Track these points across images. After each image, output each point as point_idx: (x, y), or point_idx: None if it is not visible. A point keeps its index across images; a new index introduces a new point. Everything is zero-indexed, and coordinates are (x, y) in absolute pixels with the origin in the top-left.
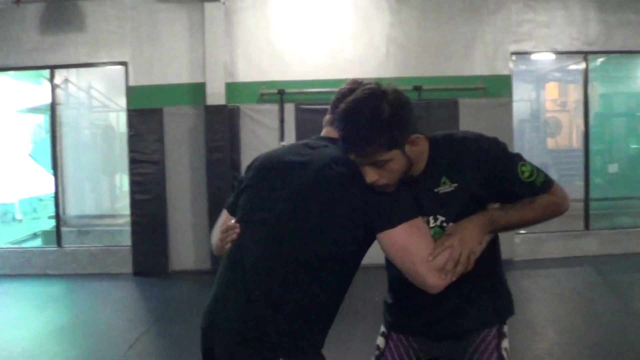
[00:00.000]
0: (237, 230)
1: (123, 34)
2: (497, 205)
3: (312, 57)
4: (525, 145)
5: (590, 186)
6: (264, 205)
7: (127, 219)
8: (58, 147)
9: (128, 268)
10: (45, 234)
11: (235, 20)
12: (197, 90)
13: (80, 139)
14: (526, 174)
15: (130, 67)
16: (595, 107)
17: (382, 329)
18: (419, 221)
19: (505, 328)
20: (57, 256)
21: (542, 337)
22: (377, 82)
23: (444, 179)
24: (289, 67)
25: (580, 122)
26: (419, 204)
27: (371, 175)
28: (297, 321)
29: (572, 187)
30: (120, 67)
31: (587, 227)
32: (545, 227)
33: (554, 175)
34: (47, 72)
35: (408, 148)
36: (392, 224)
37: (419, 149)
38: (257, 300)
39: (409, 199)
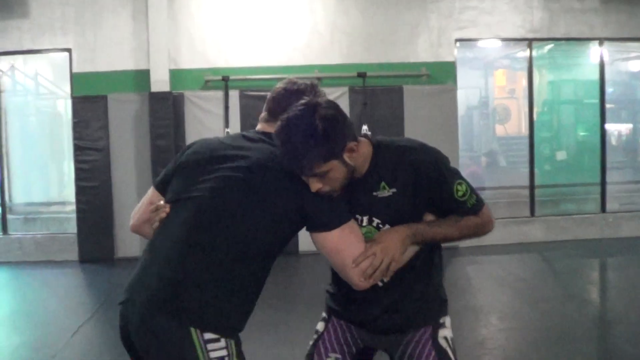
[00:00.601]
0: (167, 210)
1: (66, 21)
2: (431, 216)
3: (256, 43)
4: (474, 132)
5: (535, 173)
6: (195, 189)
7: (69, 207)
8: (3, 134)
9: (74, 255)
10: None
11: (178, 6)
12: (142, 77)
13: (27, 126)
14: (460, 193)
15: (74, 54)
16: (543, 94)
17: (324, 314)
18: (352, 224)
19: (444, 320)
20: (2, 243)
21: (485, 322)
22: (312, 83)
23: (383, 184)
24: (233, 54)
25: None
26: (359, 203)
27: (315, 185)
28: (215, 300)
29: (518, 174)
30: (64, 54)
31: (532, 213)
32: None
33: (502, 162)
34: None
35: (347, 156)
36: (328, 227)
37: (359, 154)
38: (176, 278)
39: (344, 202)
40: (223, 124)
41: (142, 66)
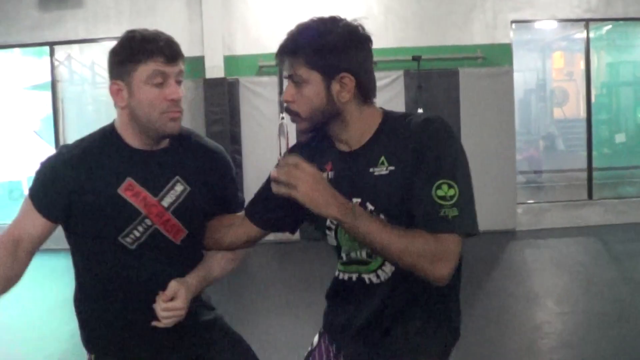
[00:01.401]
0: None
1: (120, 9)
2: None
3: None
4: (532, 115)
5: (593, 156)
6: None
7: None
8: (61, 124)
9: None
10: None
11: None
12: (196, 63)
13: (84, 115)
14: (442, 193)
15: None
16: (601, 76)
17: (321, 328)
18: None
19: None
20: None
21: (542, 307)
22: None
23: (382, 158)
24: None
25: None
26: (351, 182)
27: (288, 93)
28: (79, 319)
29: (578, 157)
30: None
31: (590, 196)
32: (548, 197)
33: (560, 145)
34: (47, 49)
35: (335, 87)
36: None
37: (366, 114)
38: None
39: None
40: (278, 110)
41: (197, 53)
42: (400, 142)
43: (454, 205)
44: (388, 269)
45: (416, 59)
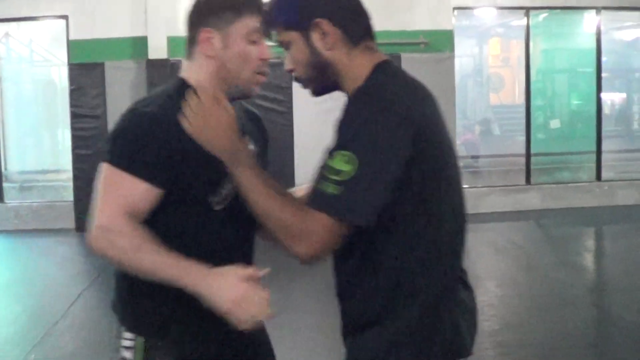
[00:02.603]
0: None
1: None
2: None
3: None
4: (468, 100)
5: (532, 141)
6: None
7: (65, 175)
8: None
9: (70, 223)
10: None
11: None
12: (139, 44)
13: (22, 93)
14: (333, 163)
15: (71, 21)
16: (537, 63)
17: None
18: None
19: None
20: None
21: (484, 289)
22: None
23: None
24: None
25: (522, 78)
26: None
27: (286, 62)
28: (133, 295)
29: (514, 142)
30: (61, 21)
31: (528, 181)
32: (486, 182)
33: (495, 130)
34: None
35: (315, 37)
36: None
37: (356, 61)
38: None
39: None
40: None
41: (140, 33)
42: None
43: (339, 182)
44: None
45: None
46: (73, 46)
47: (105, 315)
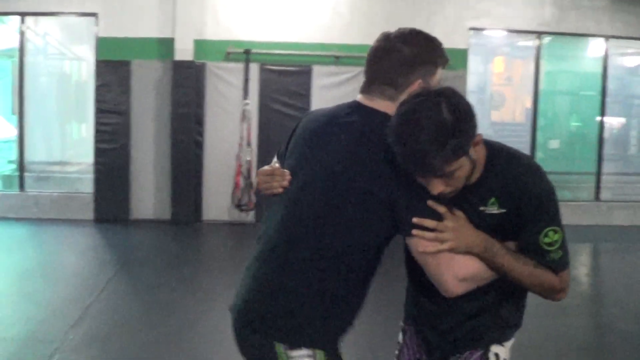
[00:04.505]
0: (288, 178)
1: None
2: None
3: (279, 19)
4: None
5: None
6: (301, 172)
7: (84, 167)
8: (24, 94)
9: (89, 215)
10: (4, 178)
11: None
12: (166, 45)
13: (44, 86)
14: (548, 240)
15: (100, 18)
16: (539, 83)
17: (401, 323)
18: None
19: (508, 343)
20: (19, 200)
21: None
22: (412, 30)
23: (493, 199)
24: (255, 28)
25: (524, 97)
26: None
27: (438, 187)
28: (302, 310)
29: None
30: (90, 18)
31: None
32: None
33: None
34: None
35: (472, 150)
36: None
37: (478, 152)
38: (263, 285)
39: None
40: (242, 96)
41: (167, 34)
42: (512, 186)
43: (559, 248)
44: None
45: None
46: (101, 43)
47: (134, 301)
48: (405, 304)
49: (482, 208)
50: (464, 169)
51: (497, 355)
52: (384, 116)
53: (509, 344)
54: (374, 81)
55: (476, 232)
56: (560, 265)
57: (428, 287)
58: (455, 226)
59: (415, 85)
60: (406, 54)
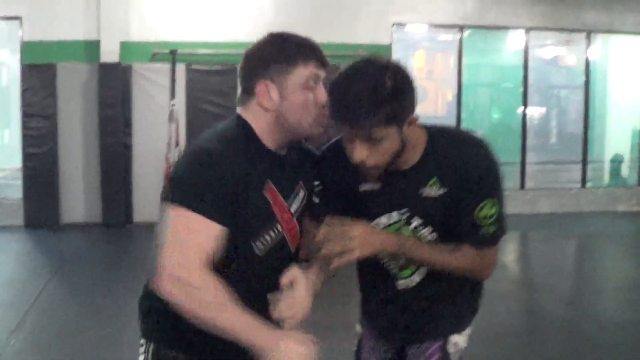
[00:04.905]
0: None
1: None
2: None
3: (204, 19)
4: None
5: None
6: None
7: (9, 172)
8: None
9: (19, 220)
10: None
11: None
12: (91, 47)
13: None
14: (483, 214)
15: (24, 22)
16: (462, 77)
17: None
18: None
19: (454, 341)
20: None
21: None
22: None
23: (434, 179)
24: (180, 28)
25: (446, 90)
26: (400, 199)
27: (360, 153)
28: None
29: None
30: (13, 22)
31: None
32: None
33: None
34: None
35: (405, 128)
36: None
37: (414, 135)
38: None
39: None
40: (169, 96)
41: (93, 37)
42: (450, 164)
43: (494, 222)
44: (417, 277)
45: None
46: (26, 47)
47: (71, 305)
48: (360, 300)
49: (421, 191)
50: (392, 143)
51: (456, 344)
52: (242, 126)
53: (467, 331)
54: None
55: (384, 234)
56: (489, 241)
57: (380, 280)
58: (360, 234)
59: (262, 86)
60: (253, 56)
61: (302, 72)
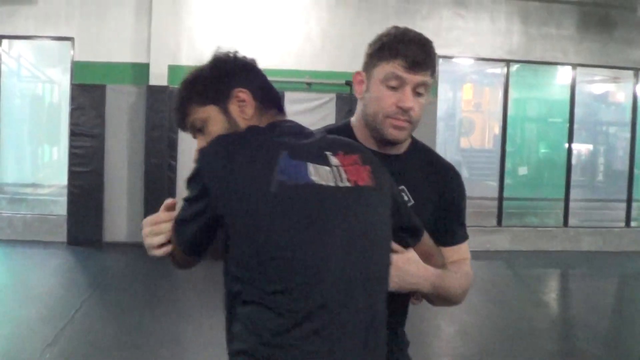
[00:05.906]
0: None
1: (71, 10)
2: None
3: (252, 45)
4: (439, 142)
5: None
6: None
7: (55, 189)
8: None
9: (62, 237)
10: None
11: (180, 3)
12: (141, 70)
13: (14, 108)
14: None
15: (76, 43)
16: (508, 110)
17: None
18: None
19: None
20: None
21: (458, 319)
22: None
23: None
24: None
25: (493, 124)
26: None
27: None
28: None
29: (484, 186)
30: (65, 42)
31: (499, 223)
32: None
33: (464, 173)
34: None
35: (234, 107)
36: None
37: (241, 112)
38: None
39: None
40: None
41: (142, 59)
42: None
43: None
44: None
45: (348, 83)
46: (77, 67)
47: (108, 322)
48: None
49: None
50: (217, 124)
51: None
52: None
53: None
54: None
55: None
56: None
57: None
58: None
59: (357, 76)
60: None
61: (384, 69)
